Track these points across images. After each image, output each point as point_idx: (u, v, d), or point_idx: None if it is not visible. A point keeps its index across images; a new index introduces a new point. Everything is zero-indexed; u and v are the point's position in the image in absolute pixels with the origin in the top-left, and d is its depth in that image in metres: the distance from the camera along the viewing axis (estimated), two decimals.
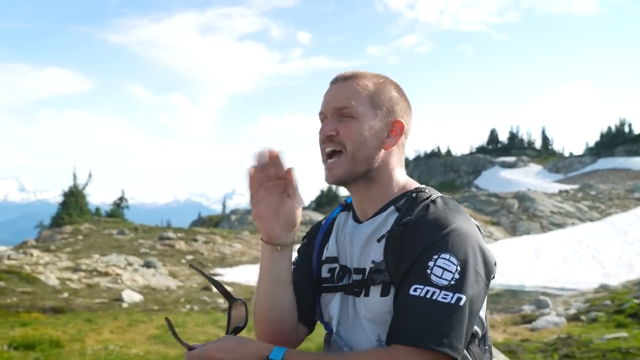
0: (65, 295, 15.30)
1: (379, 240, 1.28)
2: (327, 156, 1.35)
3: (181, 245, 28.93)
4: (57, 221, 40.96)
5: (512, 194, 39.89)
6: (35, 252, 23.14)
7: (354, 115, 1.31)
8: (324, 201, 64.41)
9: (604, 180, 55.34)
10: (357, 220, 1.39)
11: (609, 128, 76.91)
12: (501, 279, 19.47)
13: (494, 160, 75.34)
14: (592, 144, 77.78)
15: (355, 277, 1.31)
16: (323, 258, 1.44)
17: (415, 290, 1.13)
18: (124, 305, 14.35)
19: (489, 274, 1.22)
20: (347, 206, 1.48)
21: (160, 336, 9.96)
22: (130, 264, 22.21)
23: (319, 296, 1.44)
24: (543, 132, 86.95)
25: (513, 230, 33.54)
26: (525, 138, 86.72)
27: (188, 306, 15.00)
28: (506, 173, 68.99)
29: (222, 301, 16.19)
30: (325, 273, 1.42)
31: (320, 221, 1.54)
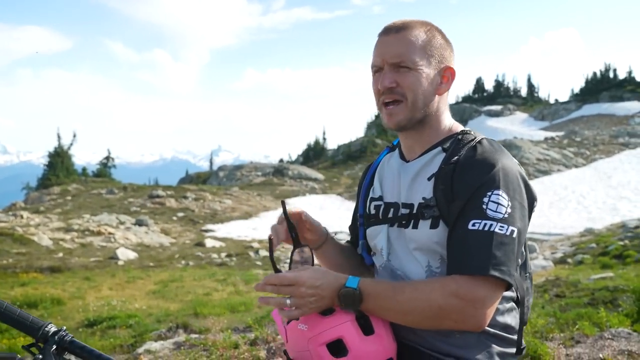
0: (60, 255, 15.43)
1: (429, 179, 1.37)
2: (385, 104, 1.42)
3: (171, 202, 29.02)
4: (44, 182, 40.72)
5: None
6: (25, 214, 23.14)
7: (411, 66, 1.37)
8: (312, 155, 64.43)
9: (589, 127, 55.77)
10: (403, 159, 1.49)
11: (594, 74, 76.98)
12: None
13: (480, 110, 75.40)
14: (577, 90, 77.94)
15: (403, 210, 1.41)
16: (369, 197, 1.56)
17: (474, 225, 1.23)
18: (120, 262, 14.52)
19: (531, 206, 1.34)
20: (393, 147, 1.59)
21: (159, 291, 10.16)
22: (122, 223, 22.32)
23: (363, 231, 1.56)
24: (529, 80, 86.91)
25: None
26: (511, 86, 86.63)
27: (183, 262, 15.23)
28: (493, 122, 69.19)
29: (215, 256, 16.44)
30: (371, 210, 1.52)
31: (370, 163, 1.65)
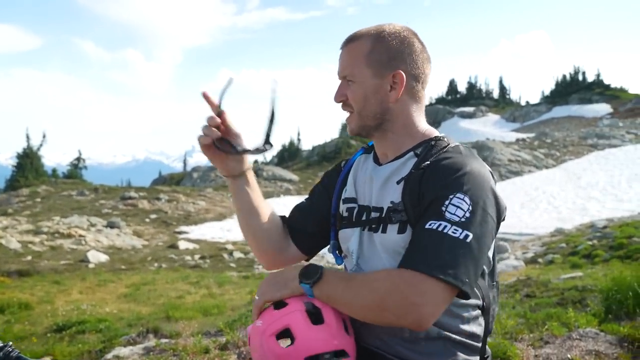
0: (29, 258, 15.09)
1: (398, 183, 1.37)
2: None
3: (144, 204, 28.65)
4: (13, 184, 39.84)
5: (471, 144, 40.68)
6: None
7: (354, 79, 1.41)
8: (286, 156, 64.37)
9: (559, 128, 56.85)
10: (377, 163, 1.49)
11: (564, 76, 78.54)
12: None
13: (454, 111, 76.30)
14: (547, 92, 79.35)
15: (373, 214, 1.41)
16: (342, 198, 1.54)
17: (430, 225, 1.22)
18: (90, 265, 14.28)
19: (499, 215, 1.31)
20: (368, 149, 1.58)
21: (131, 294, 10.01)
22: (93, 225, 21.94)
23: (335, 232, 1.55)
24: (500, 82, 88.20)
25: None
26: (484, 88, 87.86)
27: (156, 264, 15.04)
28: (465, 123, 70.06)
29: (189, 258, 16.27)
30: (344, 212, 1.51)
31: (340, 163, 1.65)
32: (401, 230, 1.33)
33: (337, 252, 1.56)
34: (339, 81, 1.46)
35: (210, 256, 16.71)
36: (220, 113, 1.43)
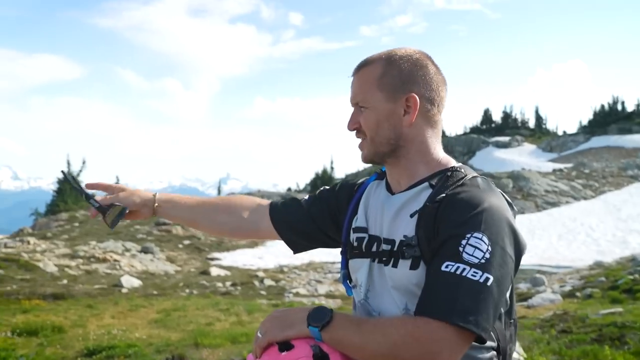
0: (65, 281, 15.36)
1: (411, 216, 1.31)
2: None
3: (178, 230, 28.95)
4: (53, 209, 40.88)
5: (506, 174, 40.02)
6: (32, 240, 23.14)
7: (366, 104, 1.37)
8: (319, 184, 64.49)
9: (598, 159, 55.53)
10: (390, 191, 1.43)
11: (602, 106, 77.01)
12: None
13: (488, 140, 75.37)
14: (585, 122, 77.90)
15: (384, 246, 1.35)
16: (353, 227, 1.49)
17: (446, 266, 1.15)
18: (124, 290, 14.43)
19: (518, 254, 1.25)
20: (381, 174, 1.53)
21: (161, 320, 10.05)
22: (127, 250, 22.25)
23: (345, 261, 1.50)
24: (536, 111, 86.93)
25: None
26: (519, 117, 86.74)
27: (187, 290, 15.11)
28: (500, 153, 69.08)
29: (220, 284, 16.31)
30: (354, 242, 1.46)
31: (354, 184, 1.59)
32: (414, 266, 1.27)
33: (347, 281, 1.51)
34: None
35: (242, 283, 16.71)
36: (89, 197, 1.62)
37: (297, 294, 14.54)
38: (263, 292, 15.14)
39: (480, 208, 1.21)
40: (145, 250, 22.49)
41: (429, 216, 1.26)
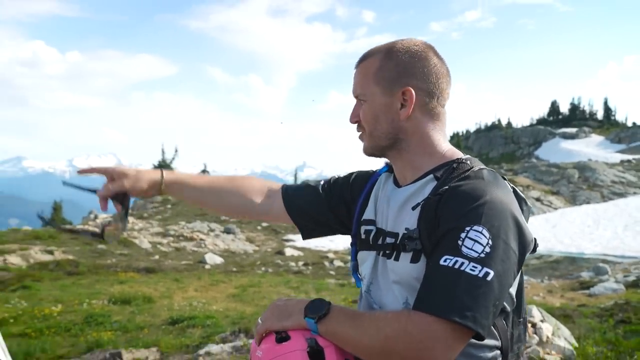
0: (156, 257, 16.07)
1: (413, 209, 1.21)
2: None
3: None
4: None
5: (572, 164, 38.04)
6: (131, 219, 24.38)
7: (365, 98, 1.28)
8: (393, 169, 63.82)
9: None
10: (396, 184, 1.34)
11: None
12: (560, 246, 18.73)
13: (555, 132, 71.82)
14: None
15: (388, 239, 1.26)
16: (362, 219, 1.40)
17: (445, 260, 1.05)
18: (207, 266, 14.91)
19: (523, 249, 1.11)
20: (391, 167, 1.41)
21: (238, 295, 10.29)
22: (212, 230, 23.00)
23: (354, 252, 1.41)
24: (605, 103, 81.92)
25: (573, 200, 32.06)
26: (587, 109, 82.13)
27: (263, 268, 15.41)
28: (567, 144, 65.70)
29: (293, 264, 16.52)
30: (362, 234, 1.38)
31: (367, 175, 1.49)
32: (414, 260, 1.16)
33: (356, 273, 1.41)
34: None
35: (313, 263, 16.85)
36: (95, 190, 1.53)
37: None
38: (332, 272, 15.19)
39: (481, 200, 1.09)
40: (227, 231, 23.15)
41: (430, 209, 1.16)
